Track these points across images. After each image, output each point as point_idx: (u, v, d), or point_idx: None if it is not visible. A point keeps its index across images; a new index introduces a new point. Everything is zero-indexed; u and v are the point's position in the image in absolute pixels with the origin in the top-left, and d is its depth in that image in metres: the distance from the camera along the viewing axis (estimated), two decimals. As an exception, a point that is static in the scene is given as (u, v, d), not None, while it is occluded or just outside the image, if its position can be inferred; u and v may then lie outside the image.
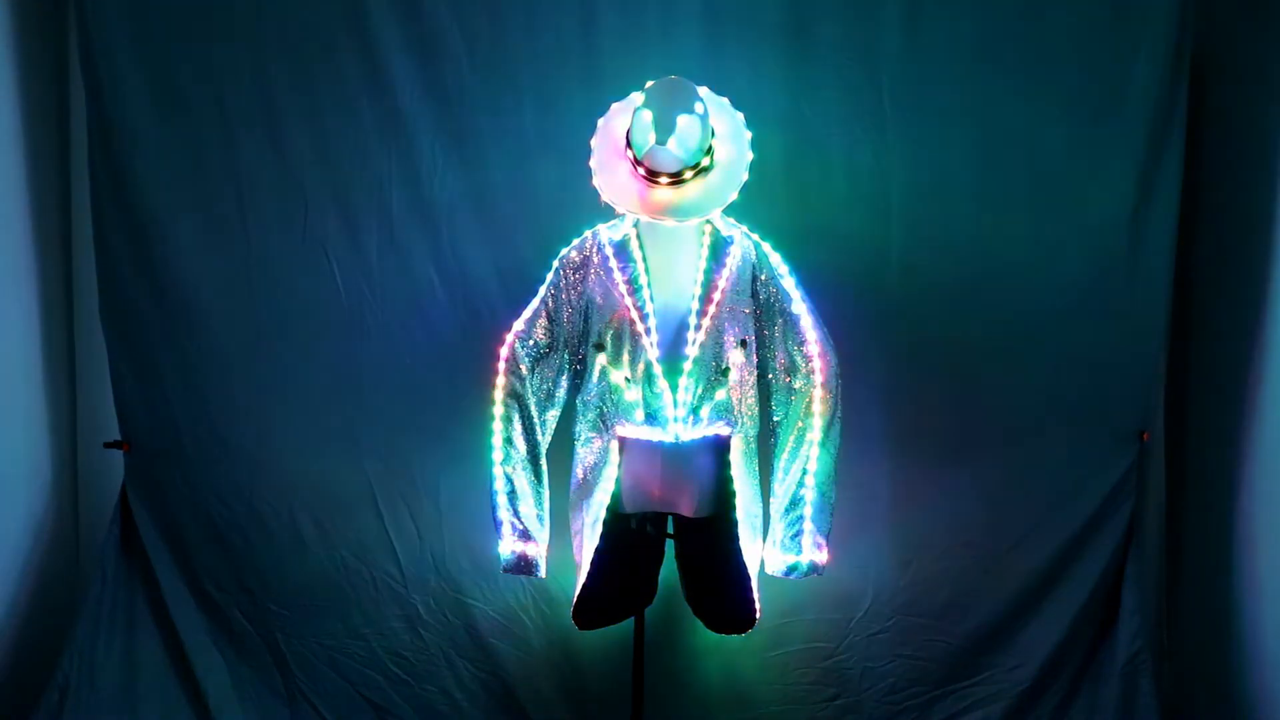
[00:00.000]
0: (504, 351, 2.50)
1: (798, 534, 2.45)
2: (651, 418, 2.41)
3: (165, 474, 2.96)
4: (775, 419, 2.52)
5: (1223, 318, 2.95)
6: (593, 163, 2.37)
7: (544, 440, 2.54)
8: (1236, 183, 2.91)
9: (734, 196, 2.32)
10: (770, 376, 2.51)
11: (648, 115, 2.24)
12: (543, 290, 2.51)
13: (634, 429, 2.42)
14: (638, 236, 2.44)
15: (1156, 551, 3.08)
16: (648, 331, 2.39)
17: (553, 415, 2.56)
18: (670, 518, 2.57)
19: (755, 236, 2.52)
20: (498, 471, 2.48)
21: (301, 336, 2.92)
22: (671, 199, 2.29)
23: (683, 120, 2.22)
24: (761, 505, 2.53)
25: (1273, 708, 2.70)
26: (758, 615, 2.52)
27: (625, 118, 2.36)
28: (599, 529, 2.43)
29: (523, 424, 2.50)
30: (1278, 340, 2.71)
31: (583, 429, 2.51)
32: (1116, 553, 2.91)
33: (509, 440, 2.49)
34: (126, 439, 2.96)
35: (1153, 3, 2.75)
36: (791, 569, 2.47)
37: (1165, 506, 3.09)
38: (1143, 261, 2.85)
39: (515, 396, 2.49)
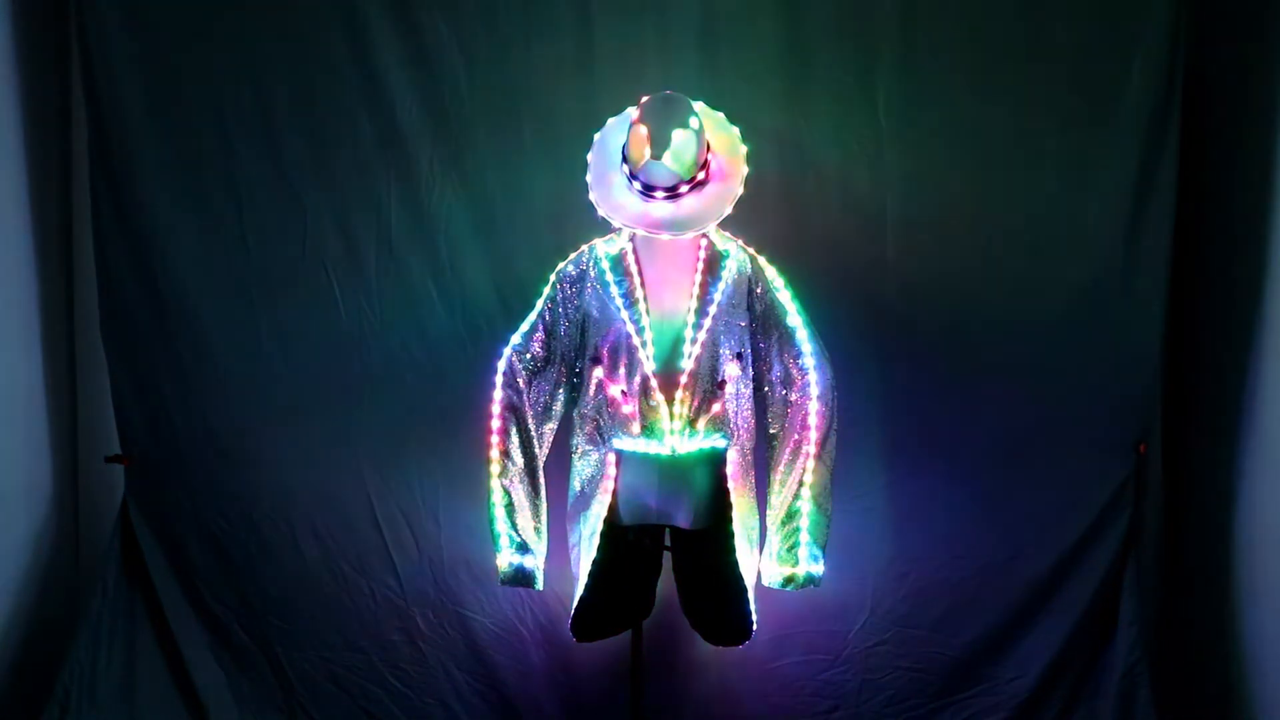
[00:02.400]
0: (501, 365, 2.51)
1: (794, 546, 2.46)
2: (648, 431, 2.42)
3: (165, 488, 2.97)
4: (771, 431, 2.52)
5: (1220, 328, 2.95)
6: (589, 178, 2.39)
7: (541, 453, 2.55)
8: (1232, 190, 2.91)
9: (729, 210, 2.33)
10: (766, 389, 2.51)
11: (643, 130, 2.25)
12: (540, 304, 2.52)
13: (630, 442, 2.43)
14: (634, 251, 2.46)
15: (1155, 562, 3.07)
16: (644, 345, 2.40)
17: (550, 428, 2.57)
18: (667, 530, 2.57)
19: (751, 250, 2.53)
20: (495, 484, 2.49)
21: (301, 351, 2.93)
22: (667, 213, 2.31)
23: (677, 135, 2.23)
24: (758, 517, 2.54)
25: (1271, 719, 2.69)
26: (755, 627, 2.52)
27: (621, 133, 2.37)
28: (596, 541, 2.43)
29: (520, 437, 2.51)
30: (1276, 351, 2.71)
31: (580, 442, 2.52)
32: (1115, 564, 2.91)
33: (506, 453, 2.49)
34: (127, 453, 2.97)
35: (1146, 11, 2.75)
36: (788, 581, 2.47)
37: (1163, 518, 3.08)
38: (1139, 272, 2.85)
39: (512, 410, 2.50)
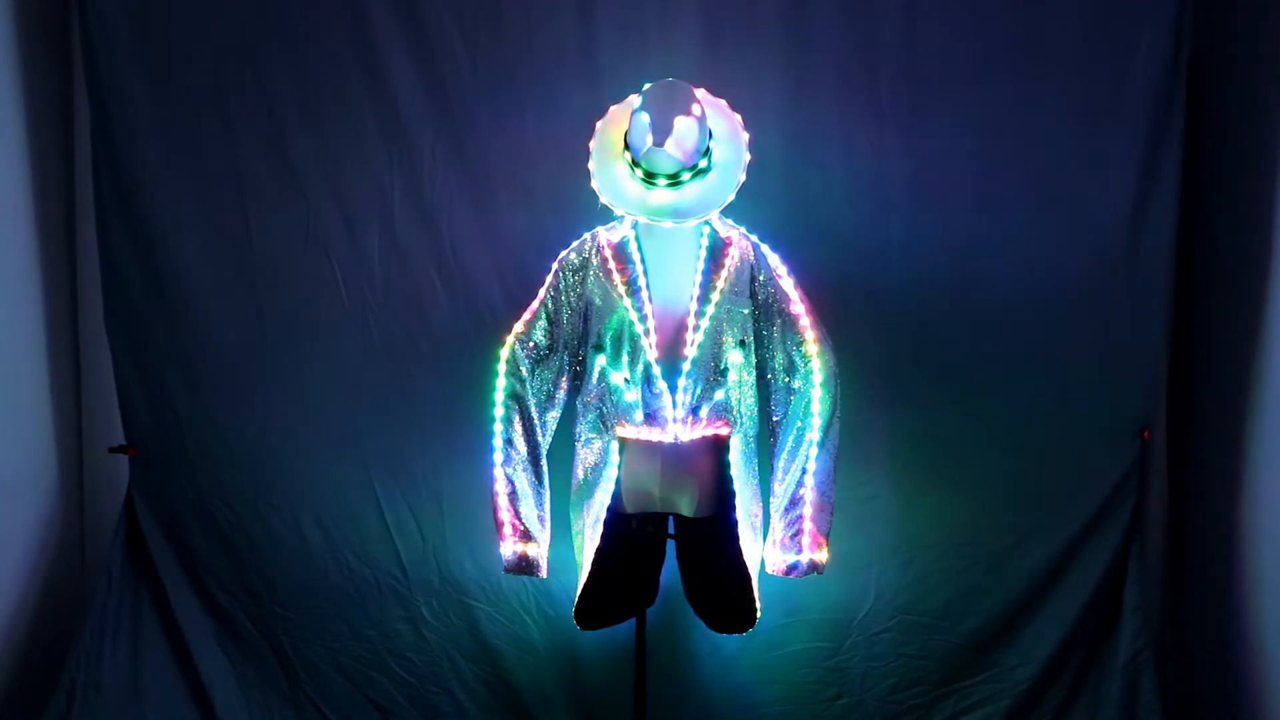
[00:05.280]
0: (504, 353, 2.51)
1: (797, 533, 2.46)
2: (651, 418, 2.42)
3: (170, 478, 2.98)
4: (774, 419, 2.52)
5: (1224, 316, 2.95)
6: (591, 165, 2.38)
7: (544, 441, 2.55)
8: (1236, 181, 2.91)
9: (732, 198, 2.33)
10: (769, 376, 2.51)
11: (645, 117, 2.25)
12: (542, 292, 2.52)
13: (634, 429, 2.44)
14: (636, 238, 2.46)
15: (1158, 550, 3.08)
16: (647, 333, 2.40)
17: (553, 416, 2.57)
18: (671, 518, 2.58)
19: (754, 237, 2.53)
20: (499, 473, 2.49)
21: (305, 339, 2.94)
22: (669, 201, 2.30)
23: (680, 122, 2.23)
24: (761, 505, 2.54)
25: (1275, 706, 2.69)
26: (759, 615, 2.52)
27: (623, 120, 2.37)
28: (600, 529, 2.44)
29: (523, 425, 2.51)
30: (1279, 338, 2.71)
31: (583, 430, 2.52)
32: (1118, 551, 2.91)
33: (510, 441, 2.50)
34: (131, 443, 2.98)
35: (1151, 1, 2.75)
36: (792, 568, 2.47)
37: (1167, 505, 3.09)
38: (1143, 260, 2.85)
39: (515, 398, 2.51)
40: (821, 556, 2.48)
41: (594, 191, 2.37)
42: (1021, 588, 2.94)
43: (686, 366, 2.40)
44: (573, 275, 2.50)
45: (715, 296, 2.41)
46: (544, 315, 2.52)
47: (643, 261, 2.44)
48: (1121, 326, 2.87)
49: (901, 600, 2.96)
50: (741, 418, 2.46)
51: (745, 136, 2.38)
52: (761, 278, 2.48)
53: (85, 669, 2.87)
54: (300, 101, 2.86)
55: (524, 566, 2.50)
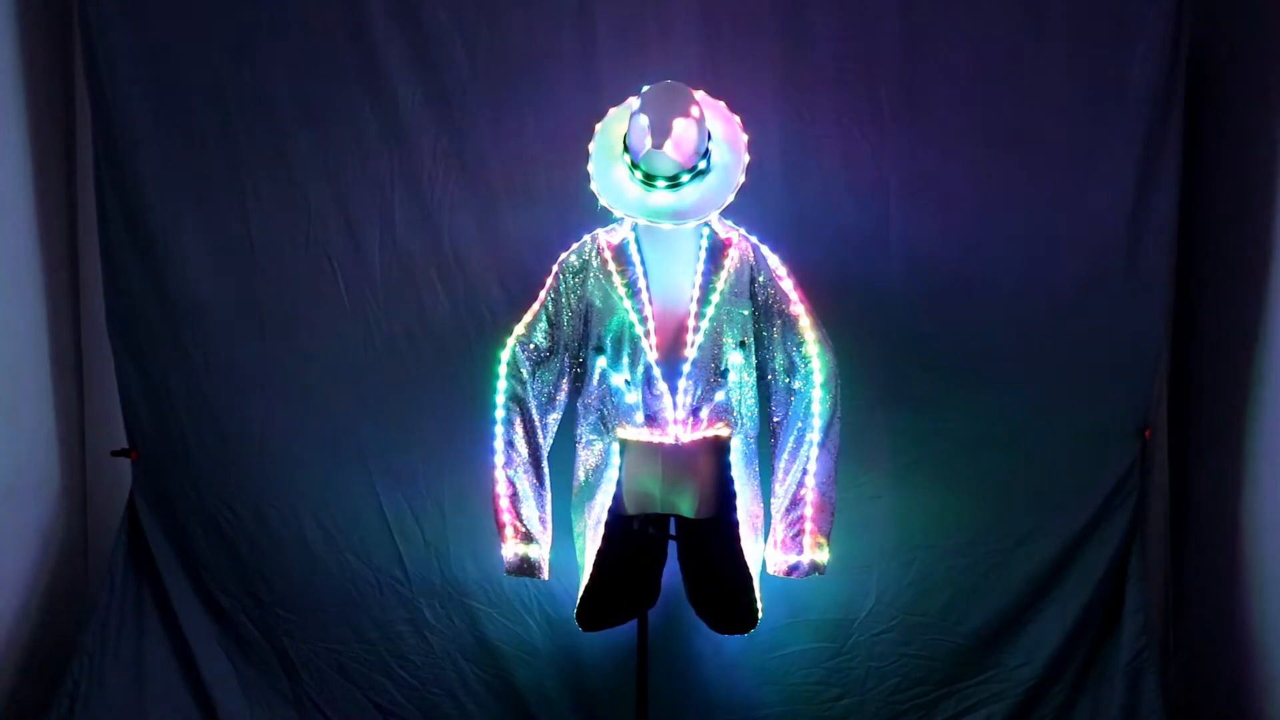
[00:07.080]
0: (505, 355, 2.51)
1: (799, 534, 2.46)
2: (651, 419, 2.42)
3: (172, 481, 2.98)
4: (775, 420, 2.52)
5: (1225, 314, 2.95)
6: (591, 167, 2.38)
7: (545, 443, 2.55)
8: (1236, 178, 2.90)
9: (731, 199, 2.33)
10: (770, 377, 2.51)
11: (644, 120, 2.25)
12: (543, 295, 2.53)
13: (634, 431, 2.44)
14: (636, 240, 2.46)
15: (1160, 549, 3.08)
16: (647, 334, 2.41)
17: (554, 418, 2.57)
18: (672, 519, 2.58)
19: (753, 238, 2.53)
20: (500, 474, 2.49)
21: (306, 342, 2.94)
22: (669, 202, 2.30)
23: (678, 124, 2.23)
24: (763, 506, 2.54)
25: (1277, 706, 2.69)
26: (760, 616, 2.53)
27: (622, 122, 2.37)
28: (601, 531, 2.44)
29: (524, 427, 2.51)
30: (1279, 338, 2.71)
31: (584, 431, 2.53)
32: (1120, 550, 2.91)
33: (510, 443, 2.50)
34: (134, 447, 2.98)
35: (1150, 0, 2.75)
36: (793, 569, 2.47)
37: (1169, 504, 3.08)
38: (1143, 258, 2.84)
39: (516, 400, 2.51)
40: (822, 557, 2.48)
41: (593, 193, 2.37)
42: (1023, 588, 2.94)
43: (687, 368, 2.40)
44: (573, 277, 2.51)
45: (715, 298, 2.41)
46: (544, 317, 2.52)
47: (643, 263, 2.44)
48: (1121, 326, 2.87)
49: (903, 600, 2.96)
50: (742, 419, 2.46)
51: (744, 138, 2.38)
52: (761, 279, 2.48)
53: (88, 671, 2.88)
54: (301, 105, 2.86)
55: (525, 568, 2.50)
